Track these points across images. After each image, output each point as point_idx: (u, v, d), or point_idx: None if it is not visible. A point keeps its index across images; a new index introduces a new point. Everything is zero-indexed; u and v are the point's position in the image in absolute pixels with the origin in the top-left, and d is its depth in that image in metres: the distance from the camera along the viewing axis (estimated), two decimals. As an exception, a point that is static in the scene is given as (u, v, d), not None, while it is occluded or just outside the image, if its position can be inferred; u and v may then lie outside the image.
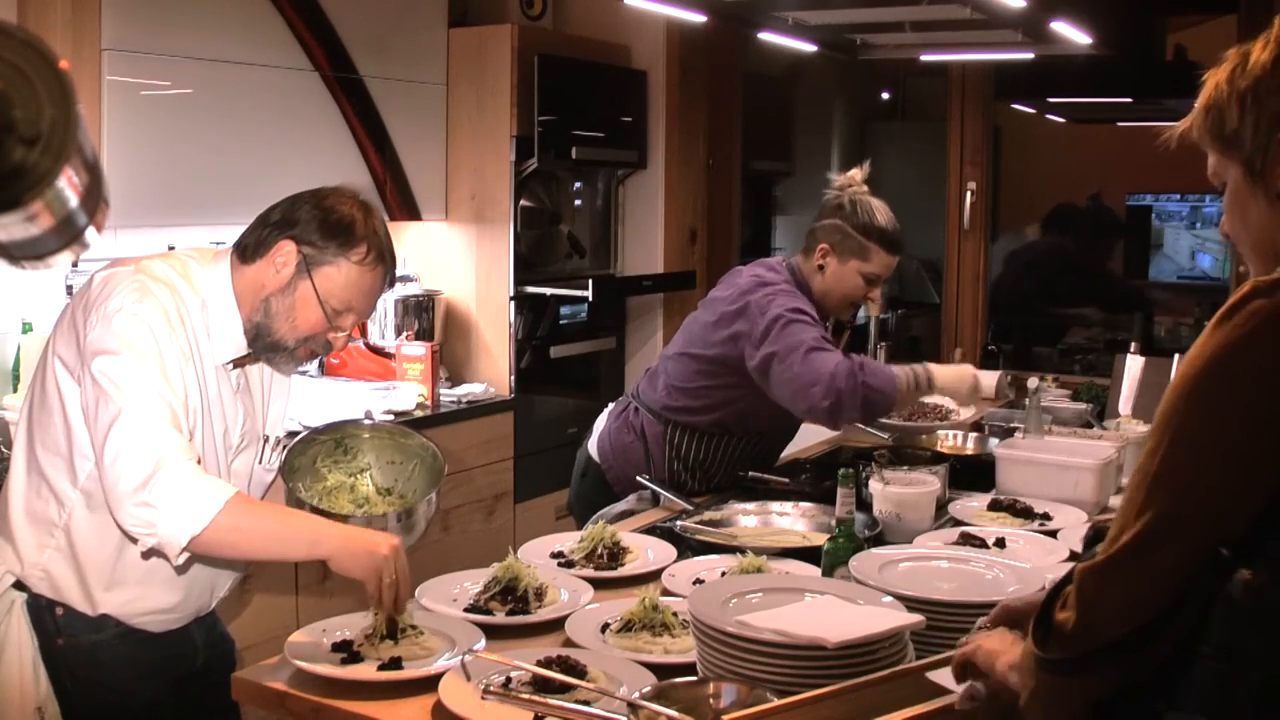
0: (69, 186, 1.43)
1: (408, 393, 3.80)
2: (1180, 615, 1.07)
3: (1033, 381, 3.27)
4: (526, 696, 1.55)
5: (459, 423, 3.93)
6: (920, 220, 5.66)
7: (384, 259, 1.96)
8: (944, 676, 1.39)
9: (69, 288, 3.25)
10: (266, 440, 2.10)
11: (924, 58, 4.14)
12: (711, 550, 2.31)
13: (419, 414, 3.78)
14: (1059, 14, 3.21)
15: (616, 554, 2.26)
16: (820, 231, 2.80)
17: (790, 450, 3.17)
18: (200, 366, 1.91)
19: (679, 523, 2.49)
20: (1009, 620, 1.37)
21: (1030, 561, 2.10)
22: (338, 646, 1.80)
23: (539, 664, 1.65)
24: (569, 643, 1.84)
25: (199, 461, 1.80)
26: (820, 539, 2.23)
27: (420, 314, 4.16)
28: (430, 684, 1.67)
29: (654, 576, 2.17)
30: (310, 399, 3.55)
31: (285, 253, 1.92)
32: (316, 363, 3.91)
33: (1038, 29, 3.32)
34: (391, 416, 3.60)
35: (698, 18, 3.41)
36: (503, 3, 4.36)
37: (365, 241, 1.93)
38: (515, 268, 4.21)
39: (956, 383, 2.72)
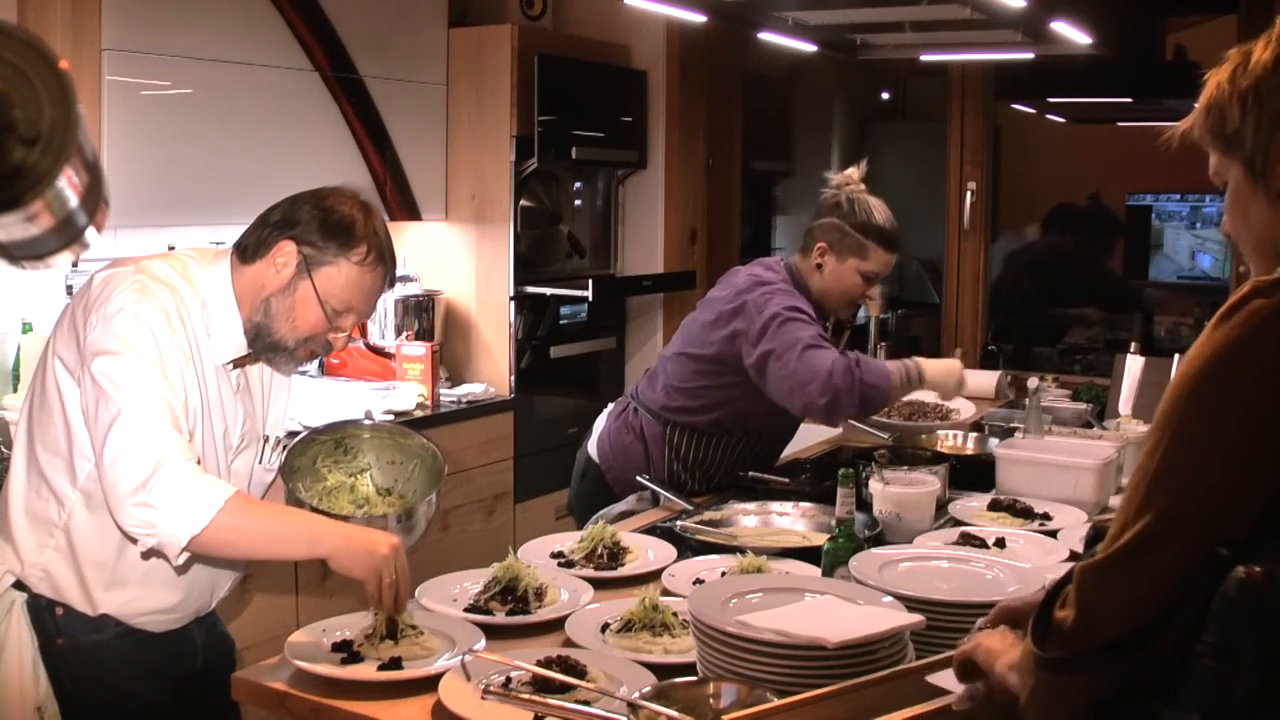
0: (69, 186, 1.43)
1: (408, 393, 3.80)
2: (1179, 615, 1.07)
3: (1033, 381, 3.27)
4: (526, 696, 1.55)
5: (459, 423, 3.93)
6: (920, 220, 5.67)
7: (384, 259, 1.96)
8: (944, 679, 1.38)
9: (69, 288, 3.25)
10: (266, 440, 2.10)
11: (924, 58, 4.14)
12: (711, 550, 2.31)
13: (419, 414, 3.78)
14: (1059, 14, 3.21)
15: (616, 554, 2.26)
16: (818, 230, 2.81)
17: (790, 450, 3.17)
18: (200, 367, 1.91)
19: (679, 523, 2.49)
20: (1008, 620, 1.37)
21: (1030, 561, 2.10)
22: (338, 646, 1.80)
23: (539, 664, 1.65)
24: (569, 643, 1.84)
25: (198, 462, 1.80)
26: (820, 539, 2.23)
27: (420, 314, 4.16)
28: (430, 684, 1.67)
29: (654, 576, 2.17)
30: (310, 399, 3.55)
31: (285, 253, 1.92)
32: (316, 363, 3.91)
33: (1038, 29, 3.32)
34: (391, 416, 3.60)
35: (698, 18, 3.41)
36: (503, 3, 4.36)
37: (365, 242, 1.93)
38: (515, 268, 4.21)
39: (945, 377, 2.74)
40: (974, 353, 4.94)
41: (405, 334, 4.09)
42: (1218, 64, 1.19)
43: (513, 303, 4.22)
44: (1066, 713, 1.14)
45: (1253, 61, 1.15)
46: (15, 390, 3.19)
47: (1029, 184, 6.43)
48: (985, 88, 5.01)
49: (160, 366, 1.80)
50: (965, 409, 3.36)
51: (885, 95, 7.31)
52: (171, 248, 2.96)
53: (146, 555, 1.82)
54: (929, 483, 2.45)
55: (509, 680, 1.63)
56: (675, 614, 1.85)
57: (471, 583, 2.07)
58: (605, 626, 1.87)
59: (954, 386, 2.77)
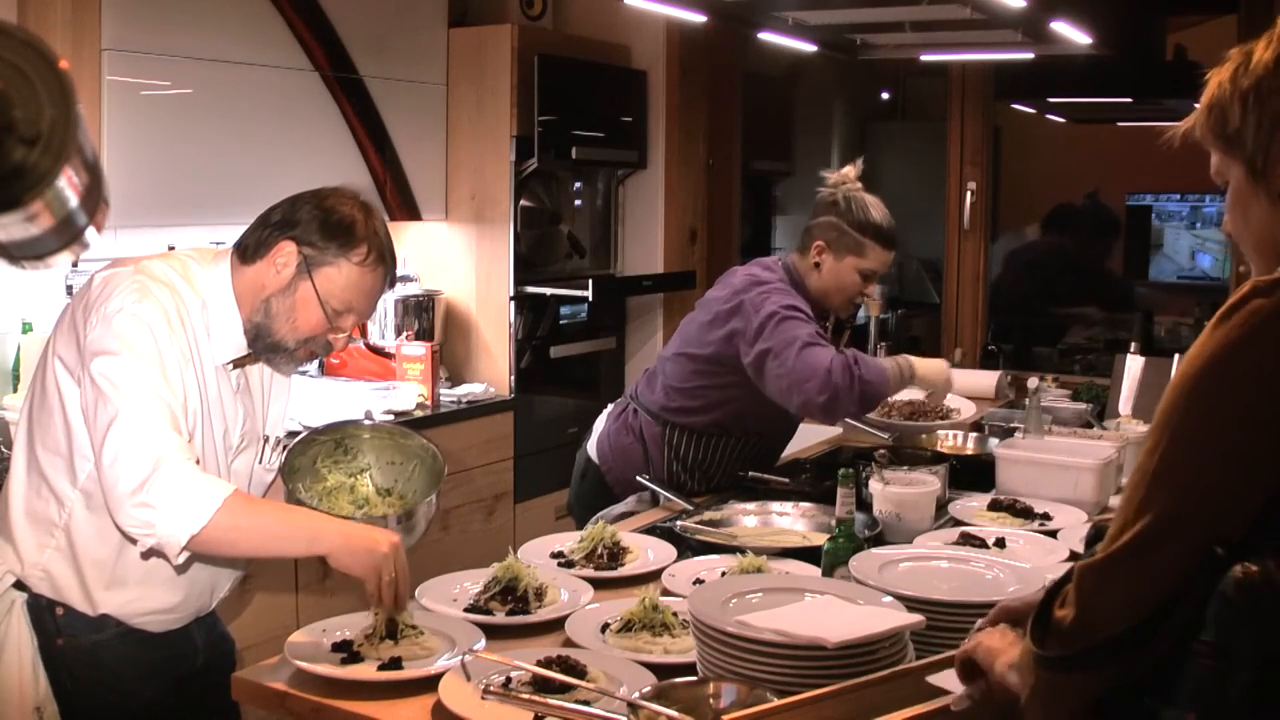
0: (69, 186, 1.43)
1: (408, 393, 3.80)
2: (1177, 613, 1.07)
3: (1033, 381, 3.27)
4: (526, 696, 1.55)
5: (459, 423, 3.93)
6: (920, 220, 5.67)
7: (384, 260, 1.96)
8: (944, 680, 1.38)
9: (69, 288, 3.25)
10: (266, 440, 2.10)
11: (924, 58, 4.14)
12: (711, 550, 2.31)
13: (419, 414, 3.78)
14: (1059, 14, 3.21)
15: (616, 554, 2.26)
16: (816, 229, 2.81)
17: (790, 450, 3.17)
18: (200, 367, 1.91)
19: (679, 523, 2.48)
20: (1007, 620, 1.37)
21: (1030, 561, 2.10)
22: (338, 646, 1.80)
23: (539, 664, 1.65)
24: (569, 643, 1.84)
25: (197, 462, 1.80)
26: (820, 539, 2.23)
27: (420, 314, 4.16)
28: (430, 684, 1.67)
29: (654, 576, 2.17)
30: (310, 399, 3.55)
31: (286, 253, 1.91)
32: (316, 363, 3.91)
33: (1038, 29, 3.32)
34: (391, 416, 3.60)
35: (698, 18, 3.41)
36: (503, 3, 4.36)
37: (366, 242, 1.93)
38: (515, 268, 4.21)
39: (935, 375, 2.79)
40: (974, 353, 4.94)
41: (405, 334, 4.09)
42: (1219, 63, 1.19)
43: (513, 303, 4.22)
44: (1066, 711, 1.14)
45: (1254, 61, 1.15)
46: (15, 390, 3.19)
47: (1029, 184, 6.43)
48: (985, 88, 5.01)
49: (160, 367, 1.80)
50: (965, 409, 3.36)
51: (885, 95, 7.31)
52: (171, 248, 2.96)
53: (146, 555, 1.82)
54: (929, 483, 2.45)
55: (509, 680, 1.63)
56: (675, 614, 1.85)
57: (471, 583, 2.07)
58: (605, 626, 1.87)
59: (943, 384, 2.82)
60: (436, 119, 4.21)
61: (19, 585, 1.92)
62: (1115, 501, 2.49)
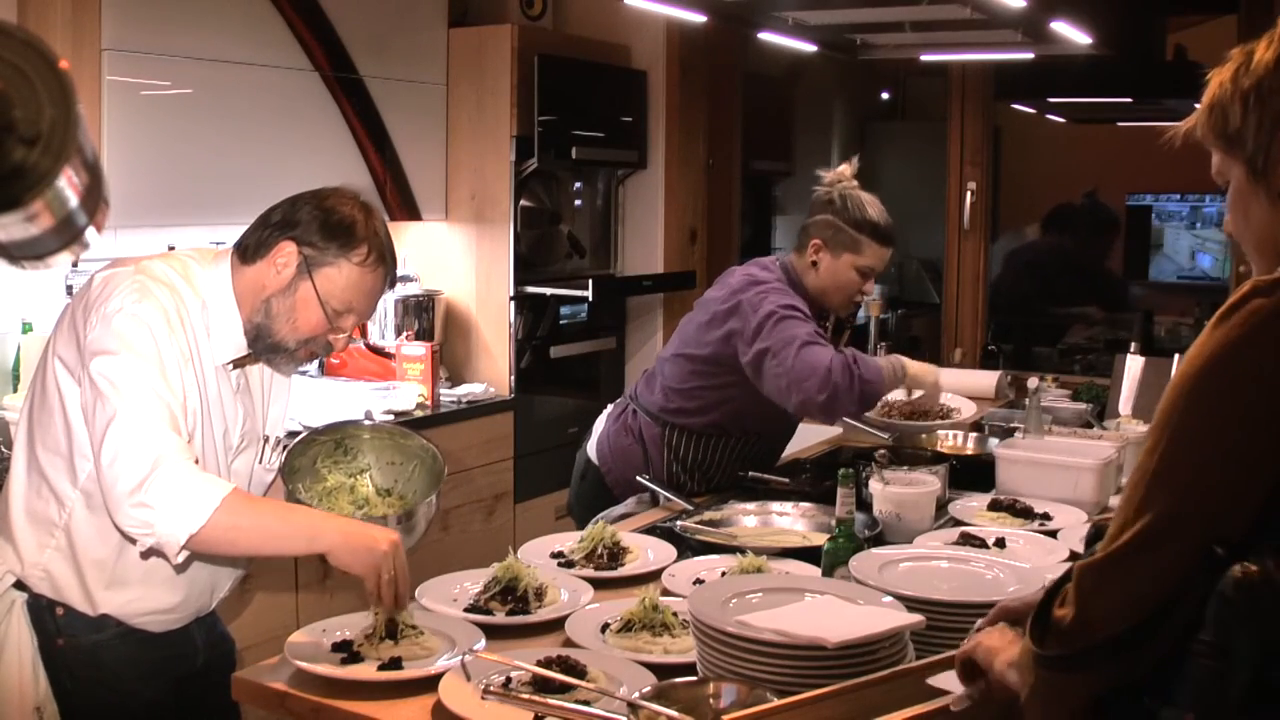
0: (69, 186, 1.43)
1: (408, 393, 3.80)
2: (1177, 613, 1.07)
3: (1033, 381, 3.27)
4: (526, 696, 1.55)
5: (459, 423, 3.93)
6: (920, 220, 5.67)
7: (385, 260, 1.96)
8: (945, 681, 1.38)
9: (69, 288, 3.25)
10: (267, 440, 2.10)
11: (924, 58, 4.14)
12: (711, 550, 2.31)
13: (419, 414, 3.78)
14: (1059, 14, 3.21)
15: (616, 554, 2.26)
16: (812, 227, 2.81)
17: (790, 450, 3.17)
18: (200, 367, 1.91)
19: (679, 523, 2.48)
20: (1007, 619, 1.37)
21: (1030, 561, 2.10)
22: (338, 646, 1.80)
23: (539, 664, 1.65)
24: (569, 643, 1.84)
25: (196, 462, 1.80)
26: (820, 539, 2.23)
27: (420, 314, 4.16)
28: (430, 684, 1.67)
29: (654, 576, 2.17)
30: (310, 399, 3.55)
31: (286, 253, 1.91)
32: (316, 363, 3.91)
33: (1038, 29, 3.32)
34: (391, 416, 3.60)
35: (698, 18, 3.41)
36: (503, 3, 4.36)
37: (366, 242, 1.93)
38: (515, 268, 4.21)
39: (925, 374, 2.84)
40: (974, 353, 4.94)
41: (405, 334, 4.09)
42: (1220, 63, 1.19)
43: (513, 303, 4.22)
44: (1066, 710, 1.15)
45: (1255, 61, 1.15)
46: (15, 390, 3.19)
47: (1029, 184, 6.43)
48: (985, 88, 5.01)
49: (159, 367, 1.80)
50: (965, 409, 3.36)
51: (885, 95, 7.31)
52: (171, 248, 2.96)
53: (146, 555, 1.82)
54: (929, 483, 2.45)
55: (509, 680, 1.63)
56: (675, 614, 1.85)
57: (471, 583, 2.07)
58: (605, 626, 1.87)
59: (931, 385, 2.87)
60: (436, 119, 4.21)
61: (19, 585, 1.92)
62: (1115, 501, 2.49)
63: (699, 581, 2.08)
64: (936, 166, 5.17)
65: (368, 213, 1.96)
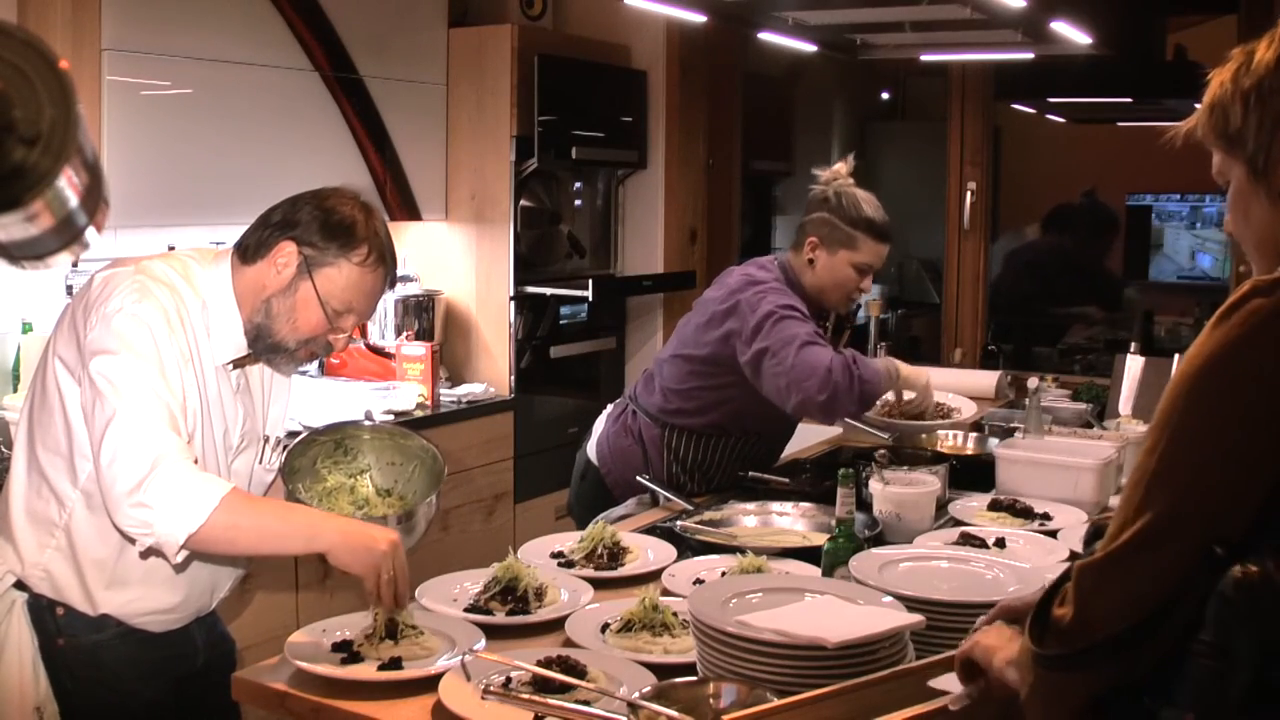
0: (69, 186, 1.43)
1: (408, 393, 3.80)
2: (1176, 612, 1.07)
3: (1033, 381, 3.27)
4: (526, 696, 1.55)
5: (459, 423, 3.93)
6: (920, 220, 5.67)
7: (385, 260, 1.96)
8: (946, 683, 1.38)
9: (69, 288, 3.25)
10: (267, 440, 2.10)
11: (924, 58, 4.14)
12: (711, 550, 2.31)
13: (419, 414, 3.78)
14: (1059, 14, 3.21)
15: (616, 554, 2.26)
16: (808, 226, 2.82)
17: (790, 450, 3.17)
18: (200, 367, 1.91)
19: (679, 523, 2.48)
20: (1007, 618, 1.37)
21: (1030, 561, 2.10)
22: (338, 646, 1.80)
23: (539, 664, 1.65)
24: (569, 643, 1.83)
25: (196, 462, 1.80)
26: (820, 539, 2.23)
27: (420, 314, 4.16)
28: (430, 684, 1.67)
29: (654, 576, 2.17)
30: (310, 399, 3.55)
31: (286, 254, 1.91)
32: (316, 363, 3.91)
33: (1038, 29, 3.32)
34: (391, 416, 3.60)
35: (698, 18, 3.41)
36: (503, 3, 4.36)
37: (366, 243, 1.93)
38: (515, 268, 4.21)
39: (917, 376, 2.87)
40: (974, 353, 4.94)
41: (405, 334, 4.09)
42: (1221, 63, 1.19)
43: (513, 303, 4.22)
44: (1066, 709, 1.14)
45: (1255, 61, 1.15)
46: (15, 390, 3.19)
47: (1029, 184, 6.43)
48: (985, 88, 5.01)
49: (159, 367, 1.80)
50: (965, 409, 3.36)
51: (885, 95, 7.31)
52: (171, 248, 2.96)
53: (145, 555, 1.82)
54: (929, 483, 2.45)
55: (509, 680, 1.63)
56: (675, 614, 1.85)
57: (471, 583, 2.07)
58: (605, 626, 1.87)
59: (924, 387, 2.90)
60: (436, 119, 4.21)
61: (19, 585, 1.92)
62: (1115, 501, 2.50)
63: (699, 581, 2.08)
64: (936, 166, 5.17)
65: (368, 213, 1.96)
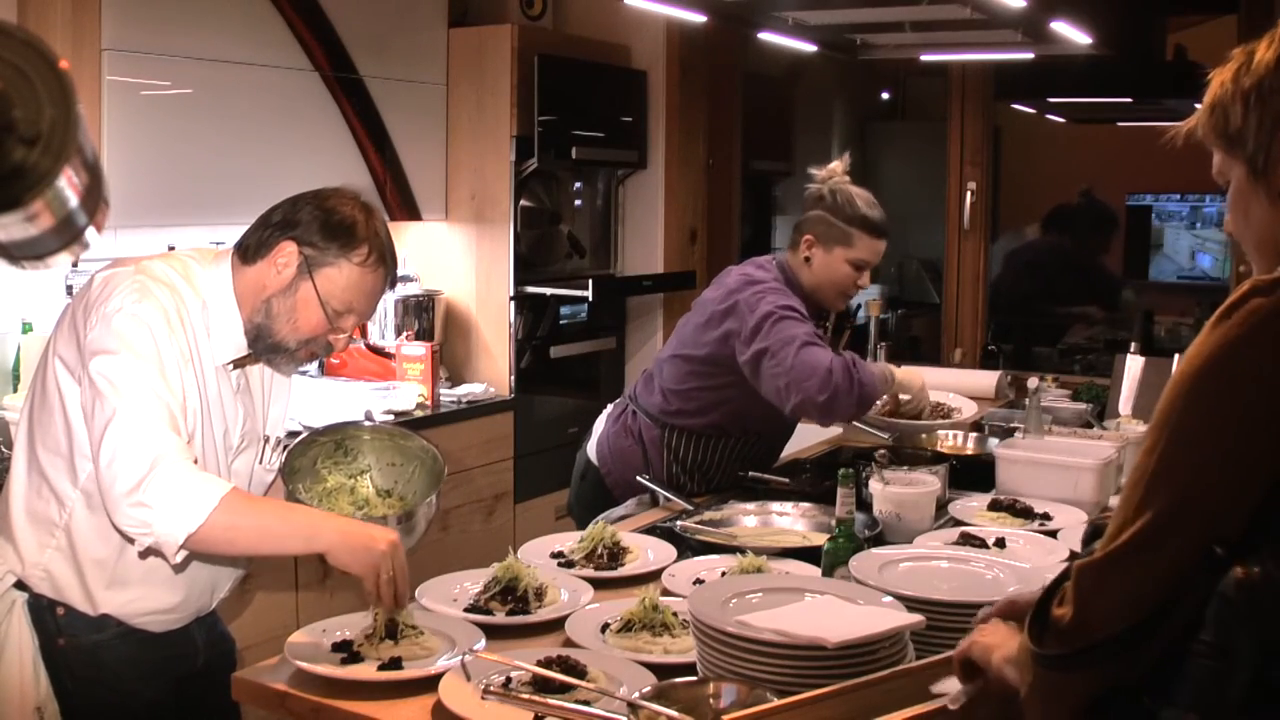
0: (69, 186, 1.43)
1: (408, 393, 3.80)
2: (1176, 612, 1.07)
3: (1033, 381, 3.27)
4: (526, 696, 1.55)
5: (459, 423, 3.93)
6: (920, 220, 5.67)
7: (385, 260, 1.96)
8: (947, 687, 1.38)
9: (69, 288, 3.25)
10: (267, 441, 2.10)
11: (924, 58, 4.14)
12: (711, 550, 2.31)
13: (419, 414, 3.78)
14: (1059, 14, 3.21)
15: (616, 554, 2.26)
16: (805, 224, 2.83)
17: (790, 450, 3.17)
18: (200, 367, 1.91)
19: (679, 523, 2.48)
20: (1014, 613, 1.36)
21: (1030, 561, 2.10)
22: (338, 646, 1.80)
23: (539, 664, 1.65)
24: (569, 643, 1.84)
25: (196, 462, 1.80)
26: (820, 539, 2.23)
27: (420, 314, 4.16)
28: (430, 684, 1.67)
29: (654, 576, 2.17)
30: (310, 399, 3.55)
31: (287, 254, 1.91)
32: (316, 363, 3.91)
33: (1038, 29, 3.33)
34: (391, 417, 3.60)
35: (698, 18, 3.41)
36: (503, 3, 4.36)
37: (367, 243, 1.93)
38: (515, 268, 4.21)
39: (912, 378, 2.91)
40: (974, 353, 4.94)
41: (405, 334, 4.09)
42: (1221, 63, 1.19)
43: (513, 303, 4.22)
44: (1066, 709, 1.14)
45: (1255, 61, 1.15)
46: (15, 390, 3.19)
47: (1029, 184, 6.43)
48: (985, 88, 5.01)
49: (159, 367, 1.80)
50: (965, 409, 3.36)
51: (885, 95, 7.30)
52: (171, 248, 2.96)
53: (144, 555, 1.82)
54: (929, 483, 2.45)
55: (509, 680, 1.63)
56: (675, 614, 1.85)
57: (471, 583, 2.07)
58: (605, 626, 1.87)
59: (918, 389, 2.94)
60: (436, 119, 4.21)
61: (20, 585, 1.92)
62: (1115, 501, 2.50)
63: (699, 581, 2.08)
64: (936, 166, 5.17)
65: (368, 213, 1.96)
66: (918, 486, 2.43)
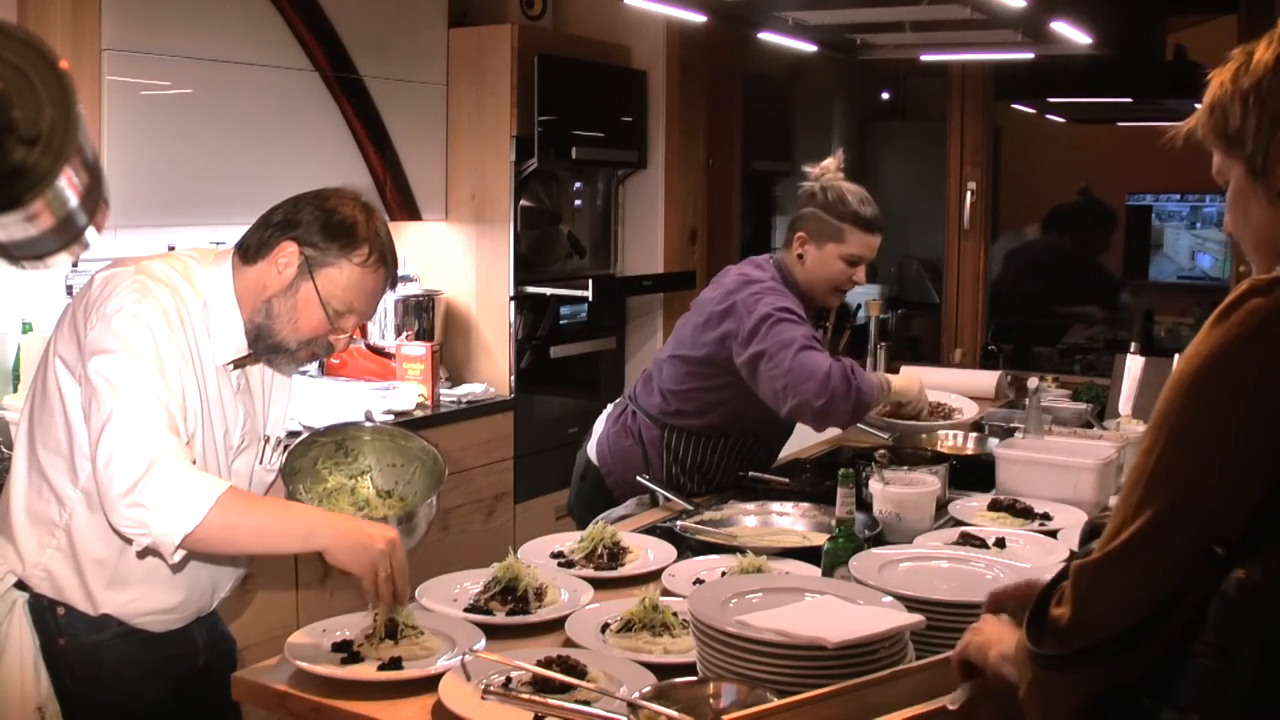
0: (69, 186, 1.43)
1: (408, 393, 3.80)
2: (1176, 612, 1.07)
3: (1033, 381, 3.27)
4: (526, 696, 1.55)
5: (459, 423, 3.93)
6: (920, 220, 5.67)
7: (386, 261, 1.96)
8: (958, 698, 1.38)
9: (69, 288, 3.25)
10: (267, 441, 2.10)
11: (924, 58, 4.14)
12: (711, 550, 2.31)
13: (419, 414, 3.78)
14: (1059, 14, 3.21)
15: (616, 554, 2.26)
16: (798, 221, 2.83)
17: (790, 450, 3.17)
18: (200, 367, 1.91)
19: (679, 523, 2.48)
20: (1000, 604, 1.36)
21: (1030, 561, 2.10)
22: (338, 646, 1.80)
23: (539, 664, 1.65)
24: (569, 643, 1.84)
25: (194, 462, 1.80)
26: (820, 539, 2.23)
27: (420, 314, 4.16)
28: (430, 684, 1.67)
29: (654, 576, 2.17)
30: (310, 399, 3.55)
31: (287, 254, 1.91)
32: (317, 363, 3.91)
33: (1038, 29, 3.33)
34: (391, 417, 3.60)
35: (698, 18, 3.41)
36: (503, 3, 4.36)
37: (367, 243, 1.93)
38: (515, 268, 4.21)
39: (909, 384, 2.92)
40: (974, 353, 4.94)
41: (405, 334, 4.09)
42: (1221, 63, 1.19)
43: (513, 303, 4.22)
44: (1066, 709, 1.14)
45: (1254, 61, 1.15)
46: (15, 390, 3.19)
47: (1029, 184, 6.43)
48: (985, 88, 5.01)
49: (158, 367, 1.80)
50: (966, 409, 3.36)
51: (885, 95, 7.30)
52: (171, 248, 2.96)
53: (143, 555, 1.82)
54: (929, 483, 2.45)
55: (509, 680, 1.63)
56: (675, 614, 1.85)
57: (471, 583, 2.07)
58: (605, 626, 1.87)
59: (916, 394, 2.94)
60: (436, 119, 4.21)
61: (20, 585, 1.92)
62: (1115, 501, 2.50)
63: (699, 581, 2.08)
64: (936, 166, 5.17)
65: (369, 213, 1.96)
66: (918, 486, 2.43)
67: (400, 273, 3.41)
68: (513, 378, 4.23)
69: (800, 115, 6.56)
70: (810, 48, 3.59)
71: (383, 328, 4.13)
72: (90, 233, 1.59)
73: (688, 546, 2.36)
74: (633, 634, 1.82)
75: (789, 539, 2.42)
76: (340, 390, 3.84)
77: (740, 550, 2.17)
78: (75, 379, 1.84)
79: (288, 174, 3.34)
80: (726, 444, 2.89)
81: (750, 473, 2.85)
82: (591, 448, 3.04)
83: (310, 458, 2.11)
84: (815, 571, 2.05)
